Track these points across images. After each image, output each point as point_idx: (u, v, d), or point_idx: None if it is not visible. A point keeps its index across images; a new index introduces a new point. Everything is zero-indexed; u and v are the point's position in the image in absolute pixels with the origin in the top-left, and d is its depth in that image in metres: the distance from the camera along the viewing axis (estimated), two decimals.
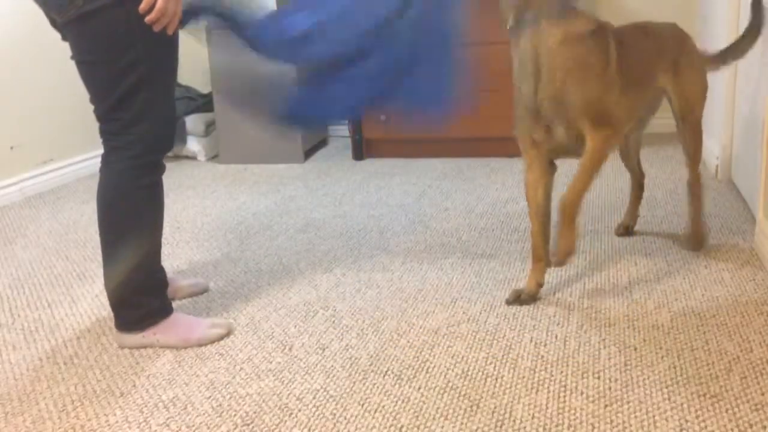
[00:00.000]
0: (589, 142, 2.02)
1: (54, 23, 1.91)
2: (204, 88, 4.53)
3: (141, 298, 1.97)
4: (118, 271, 1.93)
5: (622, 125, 2.17)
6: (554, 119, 2.02)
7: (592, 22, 2.07)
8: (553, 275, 2.29)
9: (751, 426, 1.51)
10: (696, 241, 2.45)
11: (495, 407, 1.62)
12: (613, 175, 3.31)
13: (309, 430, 1.59)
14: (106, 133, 1.92)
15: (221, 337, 2.03)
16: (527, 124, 2.06)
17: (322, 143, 4.43)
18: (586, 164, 2.03)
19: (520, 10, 2.01)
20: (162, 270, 2.05)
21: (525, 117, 2.05)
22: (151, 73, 1.85)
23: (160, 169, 1.97)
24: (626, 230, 2.64)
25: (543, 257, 2.16)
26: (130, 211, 1.92)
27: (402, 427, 1.58)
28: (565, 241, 2.03)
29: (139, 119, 1.87)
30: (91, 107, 1.97)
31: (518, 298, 2.14)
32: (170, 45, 1.89)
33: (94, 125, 2.01)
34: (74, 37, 1.85)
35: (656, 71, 2.30)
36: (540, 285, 2.17)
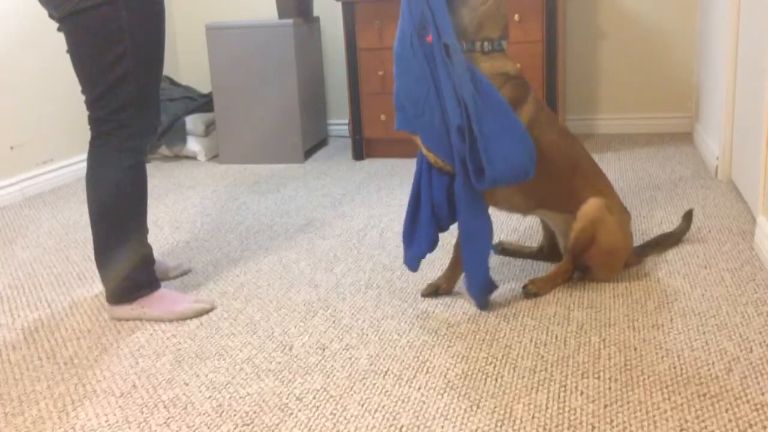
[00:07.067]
0: None
1: (53, 18, 2.03)
2: (204, 88, 4.53)
3: (129, 272, 2.12)
4: (105, 247, 2.10)
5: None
6: None
7: (516, 68, 2.09)
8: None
9: (751, 426, 1.51)
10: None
11: (495, 407, 1.63)
12: (618, 173, 3.32)
13: (309, 429, 1.59)
14: (93, 120, 2.06)
15: (204, 311, 2.17)
16: None
17: (322, 143, 4.43)
18: None
19: (466, 34, 2.02)
20: (149, 247, 2.20)
21: None
22: (138, 66, 1.99)
23: (143, 153, 2.11)
24: (504, 250, 2.46)
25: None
26: (113, 190, 2.06)
27: (402, 427, 1.58)
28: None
29: (123, 107, 2.01)
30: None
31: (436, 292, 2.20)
32: (157, 41, 2.05)
33: None
34: (69, 31, 1.99)
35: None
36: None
